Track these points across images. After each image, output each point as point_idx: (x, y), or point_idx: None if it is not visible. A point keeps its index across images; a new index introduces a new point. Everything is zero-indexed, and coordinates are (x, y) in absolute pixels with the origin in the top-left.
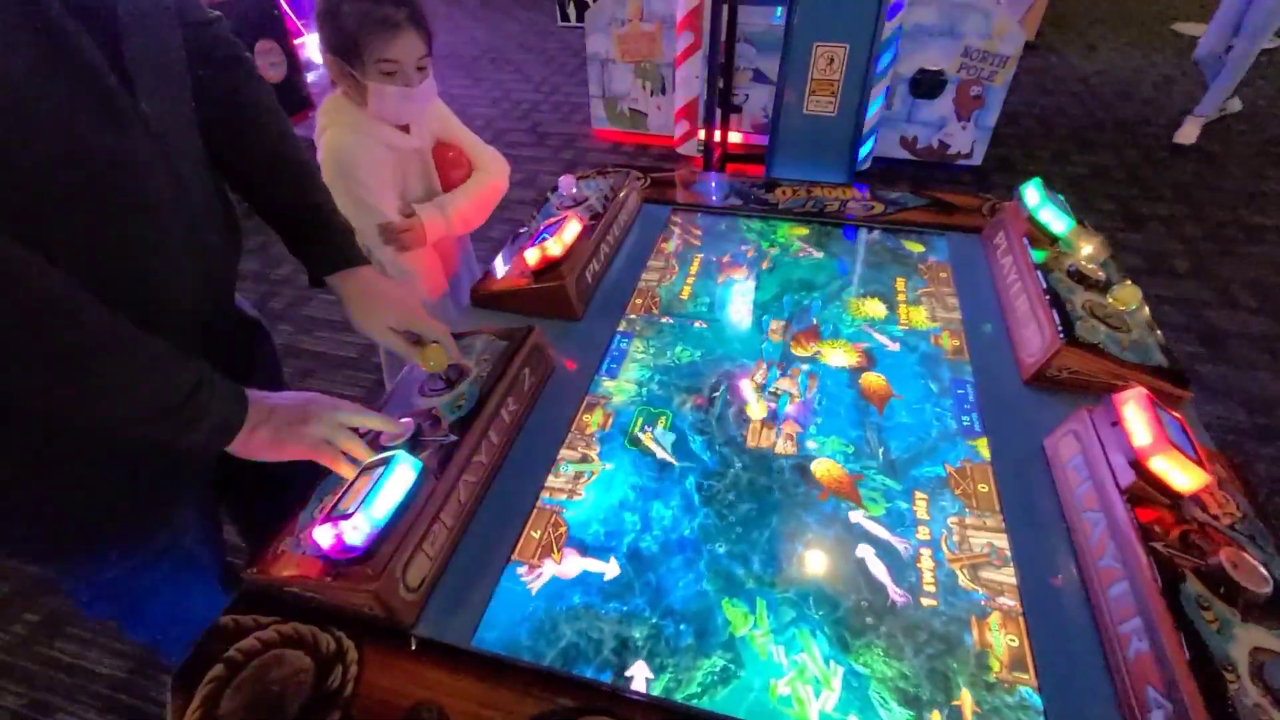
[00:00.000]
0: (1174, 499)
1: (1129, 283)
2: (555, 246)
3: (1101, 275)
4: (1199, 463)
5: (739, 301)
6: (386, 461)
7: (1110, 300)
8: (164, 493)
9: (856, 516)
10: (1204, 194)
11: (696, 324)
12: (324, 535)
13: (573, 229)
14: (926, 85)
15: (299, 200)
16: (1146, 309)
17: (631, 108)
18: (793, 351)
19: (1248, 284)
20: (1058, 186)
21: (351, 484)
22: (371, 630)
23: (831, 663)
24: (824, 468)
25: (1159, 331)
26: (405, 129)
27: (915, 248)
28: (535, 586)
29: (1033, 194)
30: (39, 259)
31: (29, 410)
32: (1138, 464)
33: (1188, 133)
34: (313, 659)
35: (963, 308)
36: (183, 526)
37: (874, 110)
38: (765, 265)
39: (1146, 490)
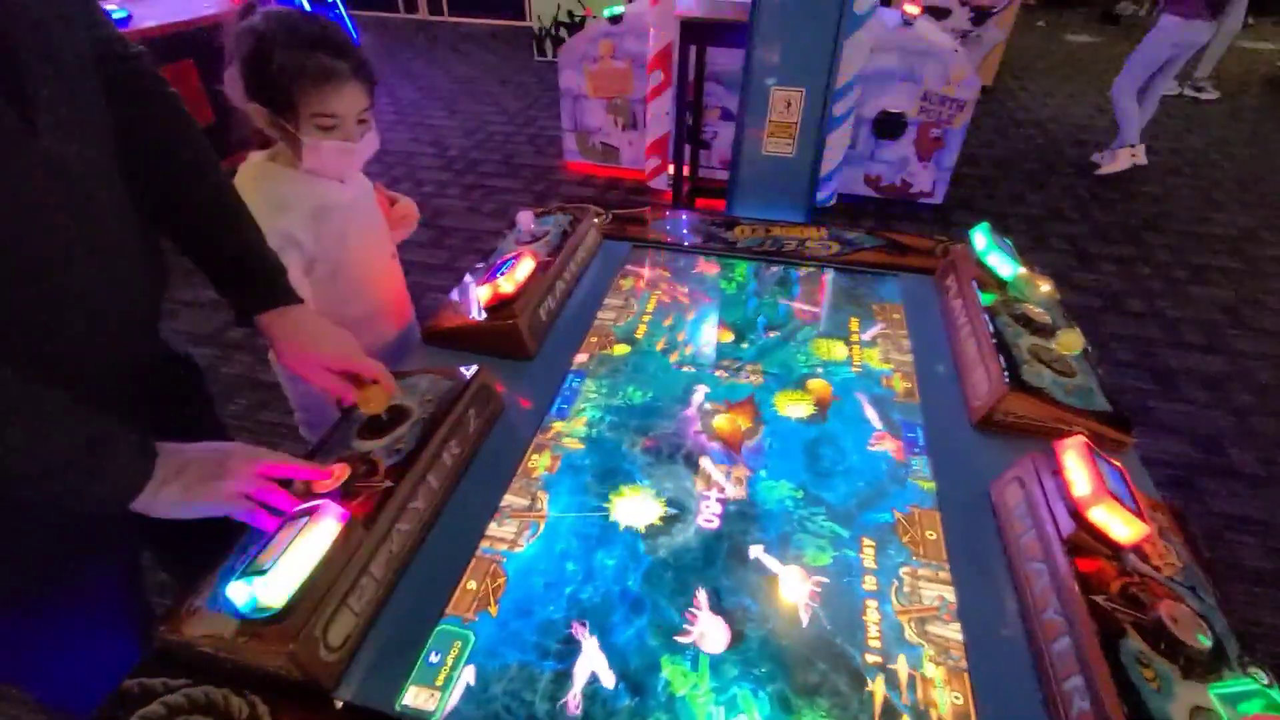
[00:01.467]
0: (1115, 550)
1: (1074, 329)
2: (508, 284)
3: (1047, 319)
4: (1138, 514)
5: (694, 341)
6: (311, 512)
7: (1054, 345)
8: (64, 545)
9: (802, 571)
10: (1151, 235)
11: (650, 364)
12: (238, 593)
13: (526, 266)
14: (888, 126)
15: (227, 239)
16: (1090, 352)
17: (604, 142)
18: (722, 429)
19: (1194, 322)
20: (1014, 226)
21: (273, 537)
22: (289, 693)
23: None
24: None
25: (1101, 376)
26: (339, 180)
27: (881, 307)
28: (468, 642)
29: (980, 238)
30: None
31: None
32: (1078, 514)
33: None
34: None
35: (915, 349)
36: (89, 580)
37: (833, 149)
38: (718, 305)
39: (1087, 541)
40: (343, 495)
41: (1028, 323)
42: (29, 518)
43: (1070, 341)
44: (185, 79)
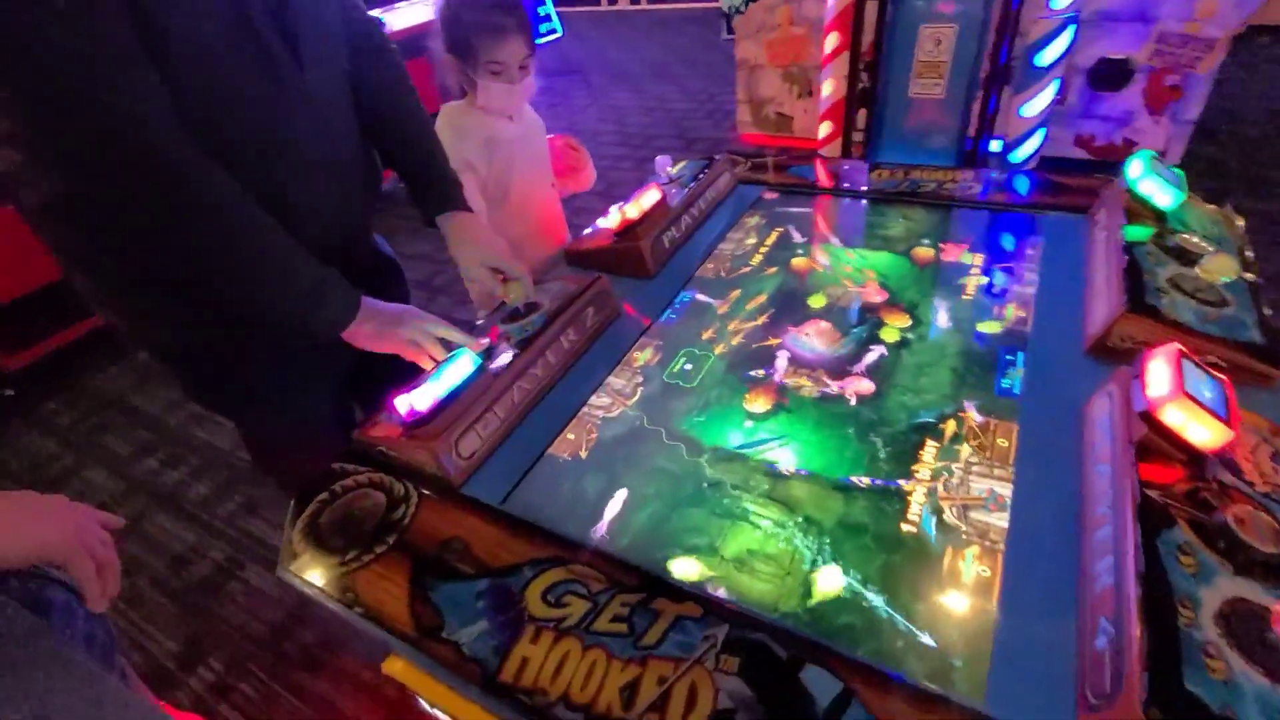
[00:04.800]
0: (1193, 455)
1: (1225, 254)
2: (633, 210)
3: (1209, 249)
4: (1226, 421)
5: (806, 274)
6: (455, 357)
7: (1199, 272)
8: (306, 369)
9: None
10: None
11: (760, 292)
12: (401, 403)
13: (651, 196)
14: (1109, 76)
15: (419, 155)
16: (1258, 283)
17: (778, 111)
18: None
19: None
20: (1274, 192)
21: (428, 375)
22: (431, 484)
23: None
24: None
25: (1265, 309)
26: (509, 119)
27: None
28: (561, 472)
29: (1136, 166)
30: (214, 170)
31: (208, 297)
32: (1149, 415)
33: None
34: (387, 498)
35: (1042, 282)
36: (321, 400)
37: (1033, 105)
38: (839, 239)
39: (1159, 444)
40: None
41: (1181, 254)
42: (280, 354)
43: (1218, 266)
44: (420, 72)
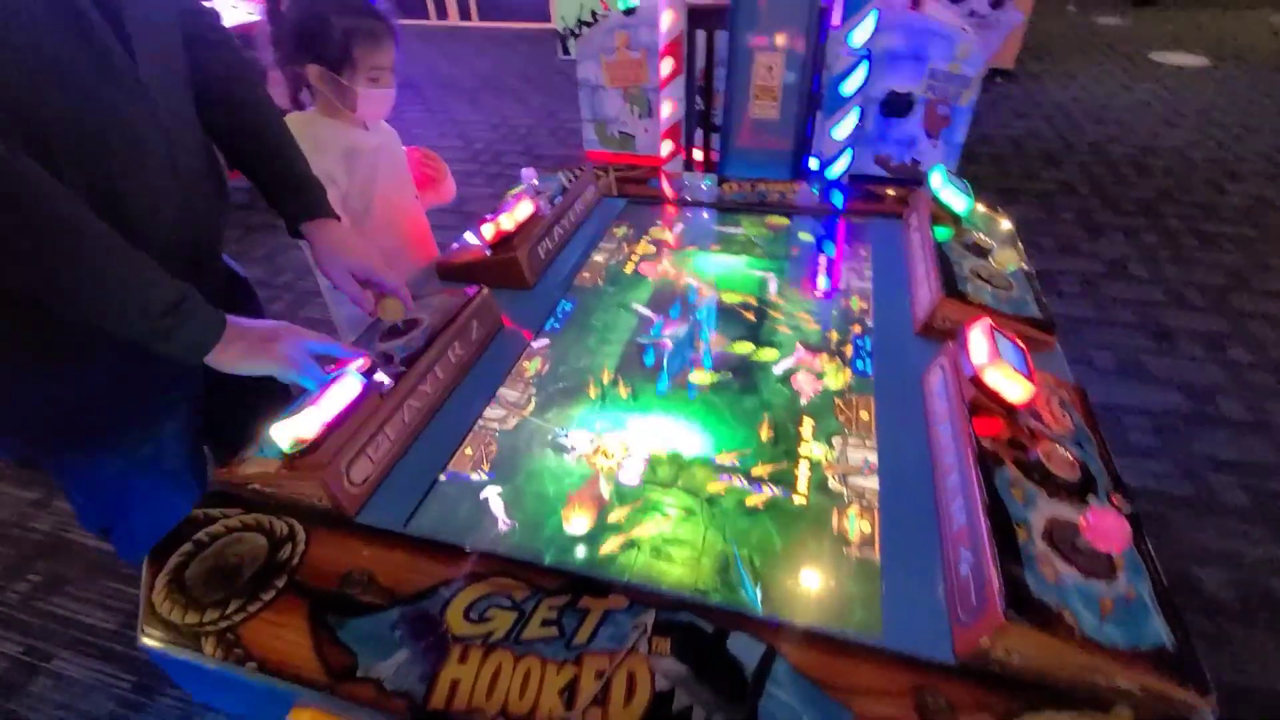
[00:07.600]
0: (1009, 410)
1: (1010, 248)
2: (508, 222)
3: (993, 245)
4: (1028, 376)
5: (676, 277)
6: (338, 377)
7: (992, 263)
8: (149, 401)
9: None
10: (1166, 206)
11: (637, 298)
12: (280, 432)
13: (525, 208)
14: (896, 105)
15: (277, 160)
16: (1031, 271)
17: (621, 130)
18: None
19: (1198, 285)
20: (1025, 199)
21: (309, 398)
22: (321, 519)
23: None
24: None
25: (1038, 290)
26: (364, 127)
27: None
28: (464, 489)
29: (937, 178)
30: (50, 177)
31: (33, 312)
32: (976, 379)
33: None
34: (268, 540)
35: (874, 278)
36: (167, 440)
37: (841, 128)
38: (699, 247)
39: (985, 402)
40: (365, 377)
41: (976, 249)
42: (116, 380)
43: (1005, 258)
44: None
